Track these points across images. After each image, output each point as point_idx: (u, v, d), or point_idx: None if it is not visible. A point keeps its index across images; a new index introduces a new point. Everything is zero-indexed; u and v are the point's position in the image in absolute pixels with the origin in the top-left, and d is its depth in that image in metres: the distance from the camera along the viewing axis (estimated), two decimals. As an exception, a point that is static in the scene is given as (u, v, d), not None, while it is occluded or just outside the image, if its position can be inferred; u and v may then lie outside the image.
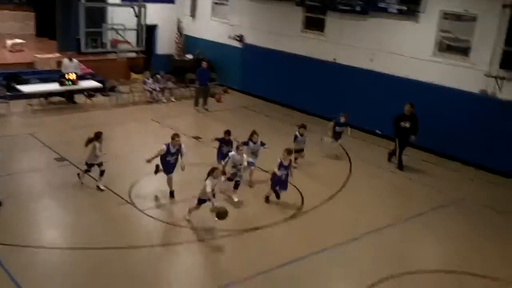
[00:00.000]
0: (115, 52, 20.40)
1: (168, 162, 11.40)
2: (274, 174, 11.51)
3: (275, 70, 20.10)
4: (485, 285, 9.23)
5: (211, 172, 10.23)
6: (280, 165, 11.43)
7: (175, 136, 11.47)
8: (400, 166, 14.41)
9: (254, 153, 12.37)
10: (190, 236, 10.13)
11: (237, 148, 11.68)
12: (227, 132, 12.67)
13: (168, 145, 11.36)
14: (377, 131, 17.01)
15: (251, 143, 12.36)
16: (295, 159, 13.47)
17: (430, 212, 12.02)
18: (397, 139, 14.39)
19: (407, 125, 14.06)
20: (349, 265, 9.64)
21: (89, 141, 11.51)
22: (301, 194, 12.15)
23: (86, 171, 11.73)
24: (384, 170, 14.34)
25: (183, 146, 11.53)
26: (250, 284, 8.72)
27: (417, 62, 15.96)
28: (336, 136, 14.80)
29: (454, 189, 13.36)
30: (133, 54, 21.70)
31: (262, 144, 12.46)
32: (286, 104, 19.68)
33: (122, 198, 11.32)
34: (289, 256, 9.53)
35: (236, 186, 11.72)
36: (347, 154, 14.99)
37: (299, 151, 13.68)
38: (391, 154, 14.80)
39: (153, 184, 12.26)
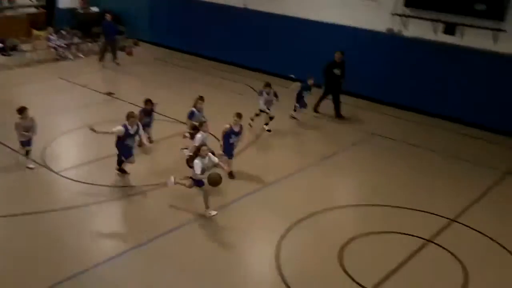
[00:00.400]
0: (12, 8, 19.11)
1: (126, 146, 10.08)
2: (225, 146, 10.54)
3: (185, 19, 19.61)
4: (395, 213, 9.80)
5: (198, 151, 9.15)
6: (231, 132, 10.46)
7: (131, 115, 9.97)
8: (339, 116, 14.56)
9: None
10: (110, 195, 9.93)
11: (201, 125, 10.23)
12: (148, 101, 11.42)
13: (125, 126, 9.89)
14: (291, 75, 17.15)
15: (196, 112, 11.14)
16: (266, 123, 13.07)
17: (350, 148, 12.47)
18: (325, 86, 14.33)
19: (338, 72, 14.10)
20: (275, 205, 9.86)
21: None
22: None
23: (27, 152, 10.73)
24: (303, 114, 14.54)
25: (140, 124, 10.22)
26: (185, 230, 8.78)
27: (326, 3, 16.10)
28: (302, 103, 13.96)
29: (372, 128, 13.83)
30: (33, 10, 20.41)
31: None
32: (201, 54, 19.34)
33: (36, 162, 10.84)
34: (218, 203, 9.58)
35: None
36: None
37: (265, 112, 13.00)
38: (337, 109, 14.51)
39: (65, 145, 11.83)
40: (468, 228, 9.34)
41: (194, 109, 11.16)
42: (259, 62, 17.63)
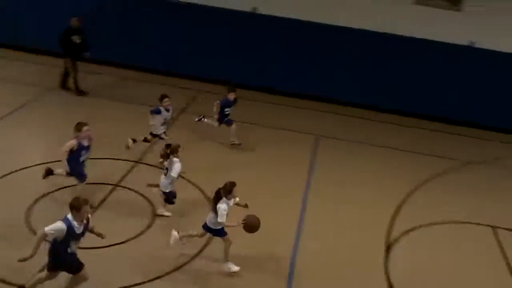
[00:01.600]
0: None
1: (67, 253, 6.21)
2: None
3: None
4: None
5: (229, 192, 7.24)
6: (81, 148, 8.22)
7: (82, 204, 6.00)
8: (80, 91, 13.13)
9: None
10: None
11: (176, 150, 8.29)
12: None
13: (69, 221, 5.97)
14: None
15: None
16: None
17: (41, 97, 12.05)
18: (70, 57, 12.88)
19: (78, 40, 12.79)
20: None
21: None
22: None
23: None
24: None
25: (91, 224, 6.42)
26: None
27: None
28: (225, 119, 11.39)
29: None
30: None
31: None
32: None
33: None
34: None
35: None
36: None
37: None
38: (65, 77, 13.09)
39: None
40: (149, 166, 10.08)
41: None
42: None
